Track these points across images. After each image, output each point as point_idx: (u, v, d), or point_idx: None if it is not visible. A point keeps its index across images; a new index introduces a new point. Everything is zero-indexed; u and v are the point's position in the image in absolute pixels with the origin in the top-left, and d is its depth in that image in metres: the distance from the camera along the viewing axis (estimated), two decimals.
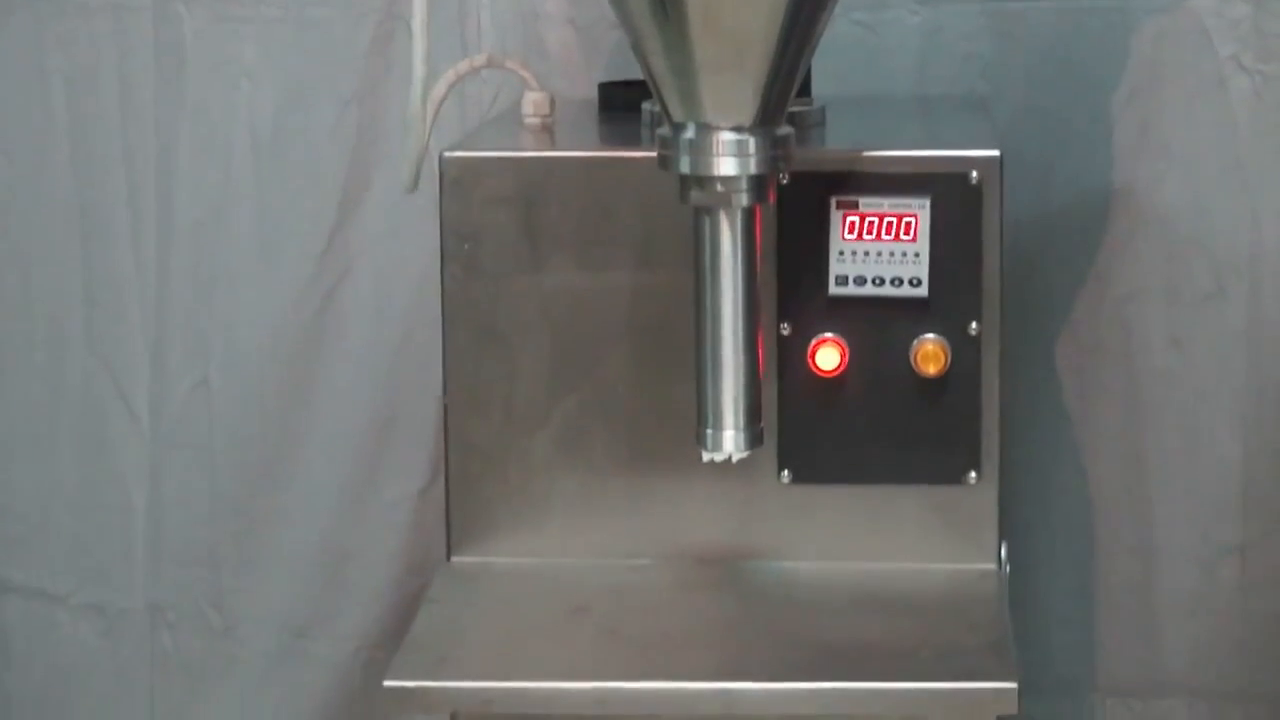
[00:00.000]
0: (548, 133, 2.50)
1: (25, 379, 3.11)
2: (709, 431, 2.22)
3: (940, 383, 2.31)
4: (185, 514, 3.09)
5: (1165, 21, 2.79)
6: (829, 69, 2.42)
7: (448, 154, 2.37)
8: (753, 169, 2.17)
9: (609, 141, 2.48)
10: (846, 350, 2.32)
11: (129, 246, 3.06)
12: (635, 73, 2.24)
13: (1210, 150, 2.81)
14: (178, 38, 2.98)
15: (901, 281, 2.30)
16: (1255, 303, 2.80)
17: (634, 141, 2.39)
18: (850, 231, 2.30)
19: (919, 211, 2.30)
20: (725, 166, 2.16)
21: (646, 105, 2.40)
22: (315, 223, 2.99)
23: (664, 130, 2.19)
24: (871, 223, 2.30)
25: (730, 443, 2.22)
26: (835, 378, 2.32)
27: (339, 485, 3.03)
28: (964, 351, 2.31)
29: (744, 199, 2.18)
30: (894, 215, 2.30)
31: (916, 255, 2.30)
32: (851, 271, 2.31)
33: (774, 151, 2.18)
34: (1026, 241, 2.68)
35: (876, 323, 2.32)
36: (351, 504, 3.03)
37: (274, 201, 3.01)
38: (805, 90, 2.41)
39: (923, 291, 2.30)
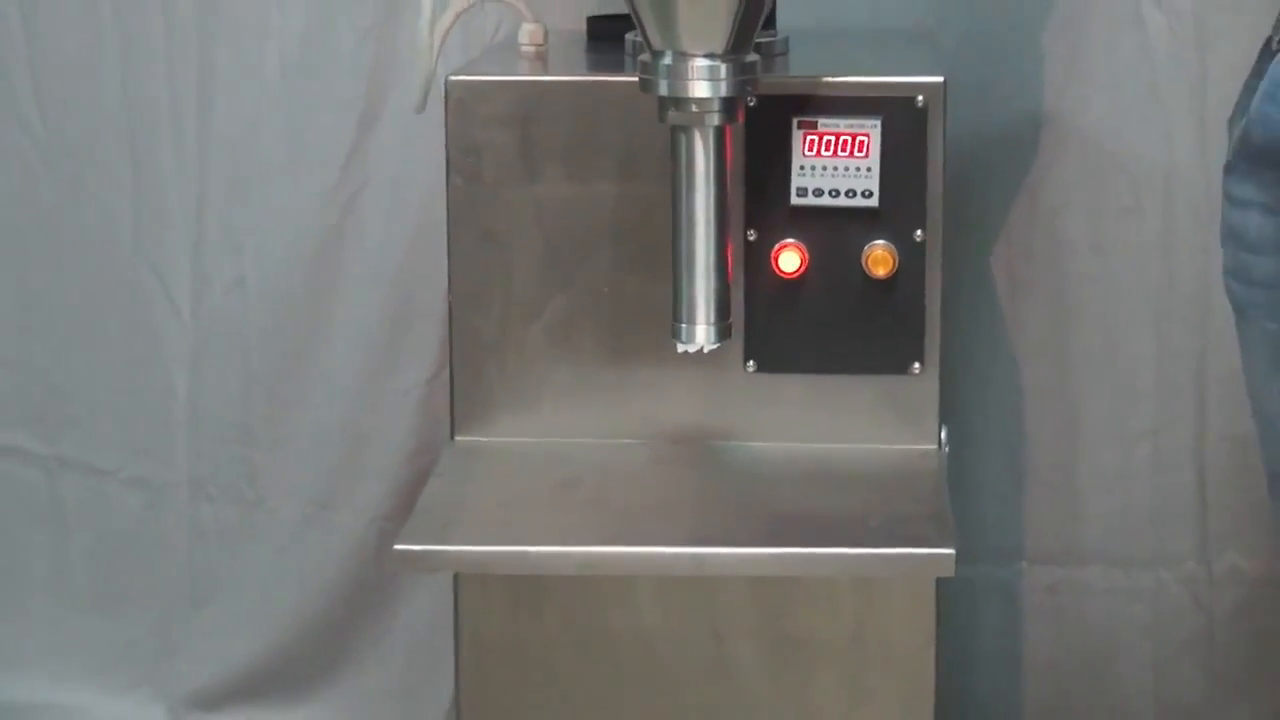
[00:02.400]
0: (541, 60, 2.49)
1: (78, 273, 3.09)
2: (683, 326, 2.22)
3: (888, 284, 2.31)
4: (222, 398, 3.07)
5: None
6: (792, 2, 2.39)
7: (452, 78, 2.35)
8: (723, 92, 2.16)
9: (596, 68, 2.46)
10: (806, 254, 2.31)
11: (172, 155, 3.03)
12: (620, 7, 2.22)
13: (1129, 79, 2.79)
14: None
15: (855, 193, 2.29)
16: (1168, 215, 2.79)
17: (618, 68, 2.38)
18: (810, 149, 2.29)
19: (871, 131, 2.28)
20: (699, 89, 2.15)
21: (629, 35, 2.38)
22: (337, 138, 2.96)
23: (645, 57, 2.18)
24: (829, 141, 2.29)
25: (702, 336, 2.22)
26: (796, 279, 2.32)
27: (357, 373, 3.01)
28: (910, 256, 2.31)
29: (716, 119, 2.17)
30: (849, 134, 2.29)
31: (869, 170, 2.29)
32: (810, 184, 2.30)
33: (742, 76, 2.17)
34: (966, 158, 2.66)
35: (832, 230, 2.31)
36: (368, 390, 3.01)
37: (300, 118, 2.98)
38: (771, 22, 2.40)
39: (874, 202, 2.29)
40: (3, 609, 3.22)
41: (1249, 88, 2.12)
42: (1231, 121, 2.15)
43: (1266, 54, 2.10)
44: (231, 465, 3.08)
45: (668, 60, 2.16)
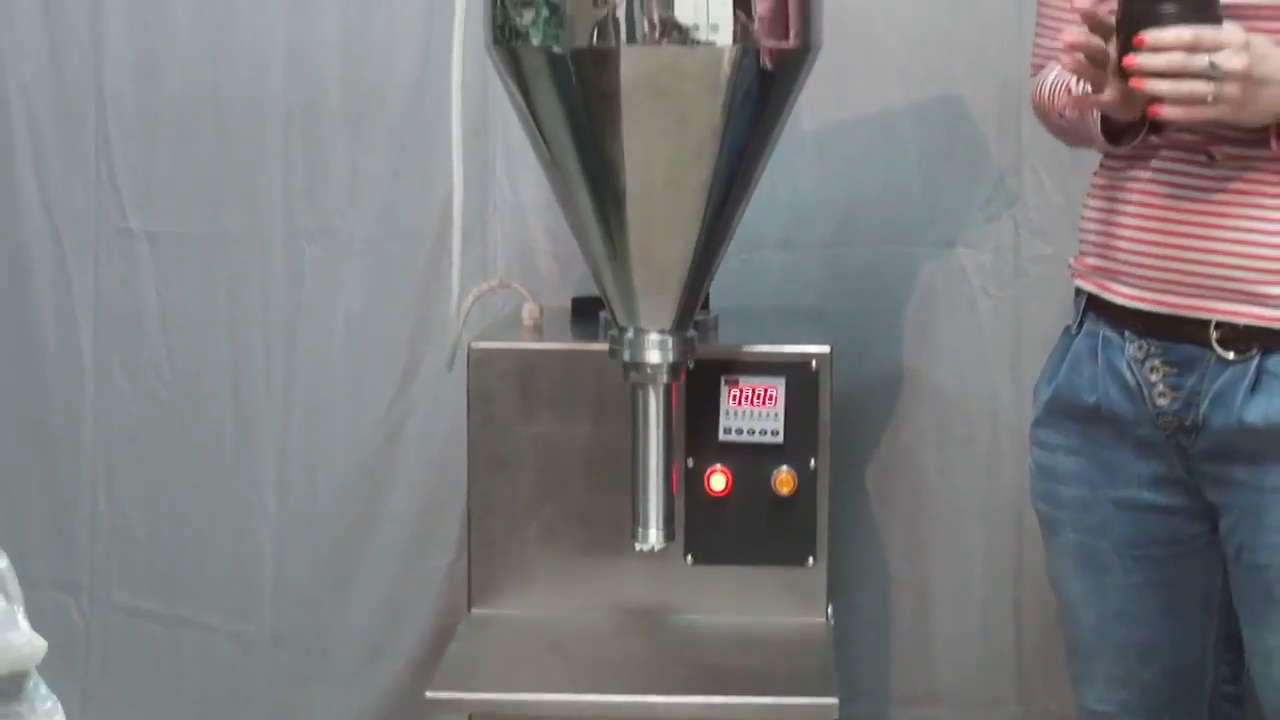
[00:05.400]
0: (538, 331, 2.49)
1: (194, 477, 3.06)
2: (639, 529, 2.22)
3: (791, 500, 2.31)
4: (298, 572, 3.04)
5: (939, 263, 2.78)
6: (721, 289, 2.41)
7: (474, 344, 2.36)
8: (670, 359, 2.17)
9: (578, 338, 2.46)
10: (730, 477, 2.31)
11: (264, 392, 3.00)
12: (596, 291, 2.24)
13: (966, 346, 2.79)
14: (298, 270, 2.97)
15: (766, 432, 2.30)
16: (994, 445, 2.78)
17: (594, 338, 2.38)
18: (733, 400, 2.30)
19: (778, 386, 2.30)
20: (652, 357, 2.17)
21: (603, 314, 2.39)
22: (387, 383, 2.96)
23: (613, 332, 2.20)
24: (747, 393, 2.30)
25: (654, 537, 2.22)
26: (723, 496, 2.32)
27: (398, 555, 2.98)
28: (806, 479, 2.31)
29: (665, 378, 2.18)
30: (761, 388, 2.30)
31: (776, 415, 2.30)
32: (734, 425, 2.31)
33: (684, 347, 2.19)
34: (848, 405, 2.66)
35: (750, 459, 2.31)
36: (406, 568, 2.98)
37: (359, 368, 2.97)
38: (705, 305, 2.41)
39: (779, 439, 2.30)
40: None
41: (1053, 361, 2.13)
42: (1037, 387, 2.15)
43: (1067, 335, 2.12)
44: (305, 623, 3.03)
45: (630, 335, 2.18)
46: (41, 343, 3.09)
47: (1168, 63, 1.77)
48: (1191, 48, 1.77)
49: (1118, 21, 1.83)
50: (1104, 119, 1.96)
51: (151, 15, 2.97)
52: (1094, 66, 1.85)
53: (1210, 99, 1.78)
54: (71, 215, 3.05)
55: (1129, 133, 1.96)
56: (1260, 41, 1.81)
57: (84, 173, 3.03)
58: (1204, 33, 1.78)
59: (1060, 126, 2.12)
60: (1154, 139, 1.96)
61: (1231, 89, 1.78)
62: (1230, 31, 1.79)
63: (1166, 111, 1.80)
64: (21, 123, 3.04)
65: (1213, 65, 1.77)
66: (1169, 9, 1.79)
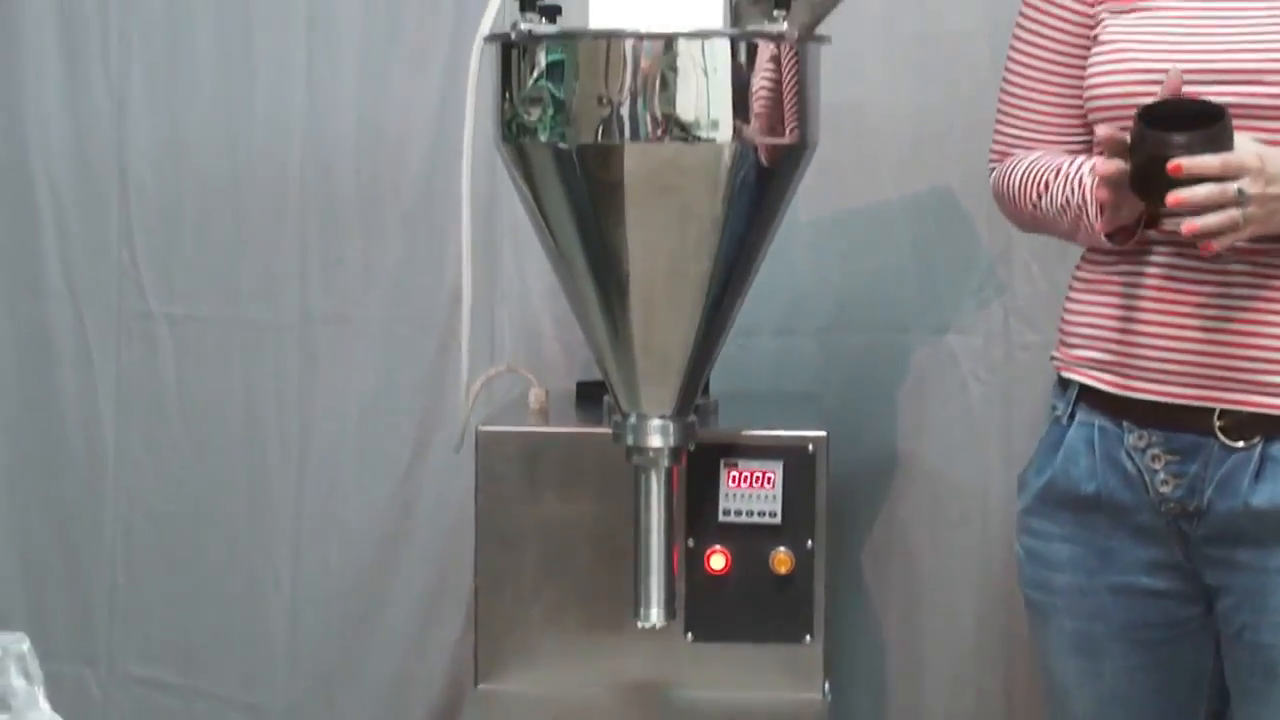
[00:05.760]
0: (544, 415, 2.49)
1: (210, 552, 3.06)
2: (641, 607, 2.20)
3: (788, 579, 2.29)
4: (311, 645, 3.02)
5: (931, 348, 2.78)
6: (720, 373, 2.39)
7: (482, 428, 2.36)
8: (672, 443, 2.16)
9: (583, 422, 2.46)
10: (729, 557, 2.30)
11: (279, 473, 3.00)
12: (600, 375, 2.23)
13: (958, 429, 2.78)
14: (312, 353, 2.98)
15: (764, 514, 2.29)
16: (985, 527, 2.77)
17: (598, 422, 2.37)
18: (732, 482, 2.29)
19: (775, 469, 2.29)
20: (654, 441, 2.16)
21: (606, 399, 2.38)
22: (398, 463, 2.96)
23: (616, 417, 2.19)
24: (746, 476, 2.29)
25: (656, 616, 2.19)
26: (722, 575, 2.30)
27: (408, 631, 2.97)
28: (803, 559, 2.30)
29: (666, 462, 2.17)
30: (760, 471, 2.29)
31: (774, 497, 2.29)
32: (733, 506, 2.30)
33: (685, 432, 2.17)
34: (844, 486, 2.64)
35: (748, 540, 2.30)
36: (415, 643, 2.96)
37: (371, 447, 2.97)
38: (705, 390, 2.40)
39: (777, 520, 2.29)
40: None
41: (1043, 451, 2.12)
42: (1025, 477, 2.14)
43: (1057, 425, 2.11)
44: (316, 696, 3.01)
45: (633, 420, 2.17)
46: (64, 421, 3.09)
47: (1206, 195, 1.79)
48: (1221, 176, 1.79)
49: (1132, 147, 1.83)
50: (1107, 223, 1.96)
51: (173, 106, 3.00)
52: (1117, 189, 1.87)
53: (1243, 222, 1.80)
54: (94, 298, 3.06)
55: (1121, 233, 1.96)
56: (1270, 155, 1.82)
57: (107, 257, 3.05)
58: (1229, 160, 1.79)
59: (1023, 215, 2.13)
60: (1148, 232, 1.97)
61: (1256, 209, 1.80)
62: (1247, 155, 1.80)
63: (1216, 244, 1.82)
64: (47, 208, 3.05)
65: (1240, 191, 1.79)
66: (1181, 140, 1.80)
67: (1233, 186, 1.79)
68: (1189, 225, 1.80)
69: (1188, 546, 2.01)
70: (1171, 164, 1.79)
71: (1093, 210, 1.95)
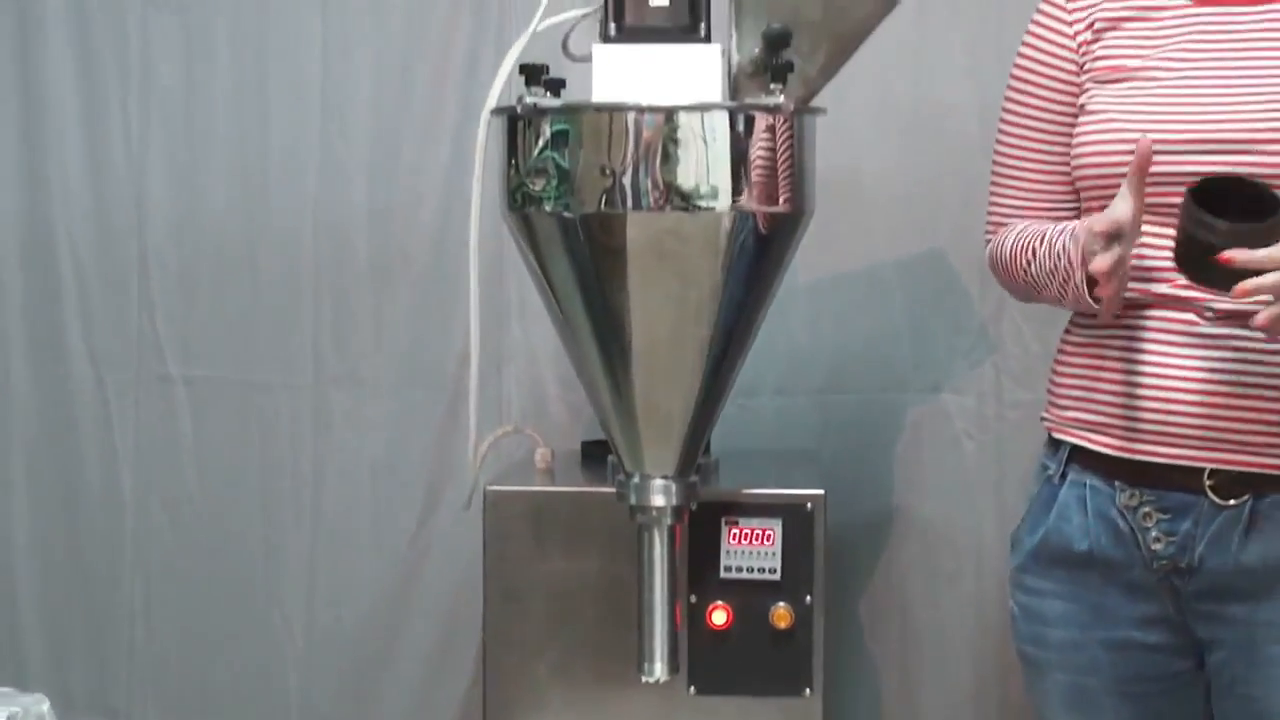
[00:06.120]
0: (550, 474, 2.49)
1: (226, 607, 3.04)
2: (645, 662, 2.18)
3: (788, 633, 2.28)
4: (322, 696, 3.01)
5: (925, 407, 2.78)
6: (720, 432, 2.38)
7: (490, 487, 2.35)
8: (674, 502, 2.15)
9: (588, 481, 2.46)
10: (731, 612, 2.29)
11: (293, 531, 3.00)
12: (604, 436, 2.23)
13: (952, 484, 2.78)
14: (325, 413, 2.98)
15: (764, 570, 2.28)
16: (979, 579, 2.76)
17: (603, 481, 2.36)
18: (733, 539, 2.29)
19: (775, 527, 2.28)
20: (657, 500, 2.15)
21: (610, 458, 2.38)
22: (408, 521, 2.95)
23: (620, 477, 2.18)
24: (746, 534, 2.29)
25: (659, 670, 2.18)
26: (724, 629, 2.29)
27: (417, 683, 2.95)
28: (803, 614, 2.29)
29: (669, 520, 2.16)
30: (760, 529, 2.29)
31: (774, 554, 2.28)
32: (734, 563, 2.29)
33: (687, 491, 2.17)
34: (842, 542, 2.65)
35: (749, 595, 2.29)
36: (424, 695, 2.95)
37: (382, 508, 2.97)
38: (707, 449, 2.39)
39: (777, 576, 2.28)
40: None
41: (1035, 510, 2.11)
42: (1018, 535, 2.14)
43: (1049, 483, 2.10)
44: None
45: (636, 480, 2.16)
46: (84, 480, 3.08)
47: (1274, 284, 1.78)
48: (1274, 266, 1.78)
49: (1183, 225, 1.82)
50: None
51: (191, 176, 3.00)
52: (1117, 275, 1.87)
53: None
54: (114, 362, 3.06)
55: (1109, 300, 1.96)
56: None
57: (127, 322, 3.05)
58: (1275, 252, 1.78)
59: (1017, 284, 2.12)
60: (1135, 295, 1.97)
61: None
62: None
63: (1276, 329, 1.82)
64: (69, 274, 3.06)
65: None
66: (1243, 229, 1.78)
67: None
68: (1261, 320, 1.80)
69: (1179, 601, 2.00)
70: (1225, 255, 1.77)
71: (1079, 275, 1.95)
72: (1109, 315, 1.95)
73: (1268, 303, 1.79)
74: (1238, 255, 1.78)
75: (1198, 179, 1.84)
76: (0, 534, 3.11)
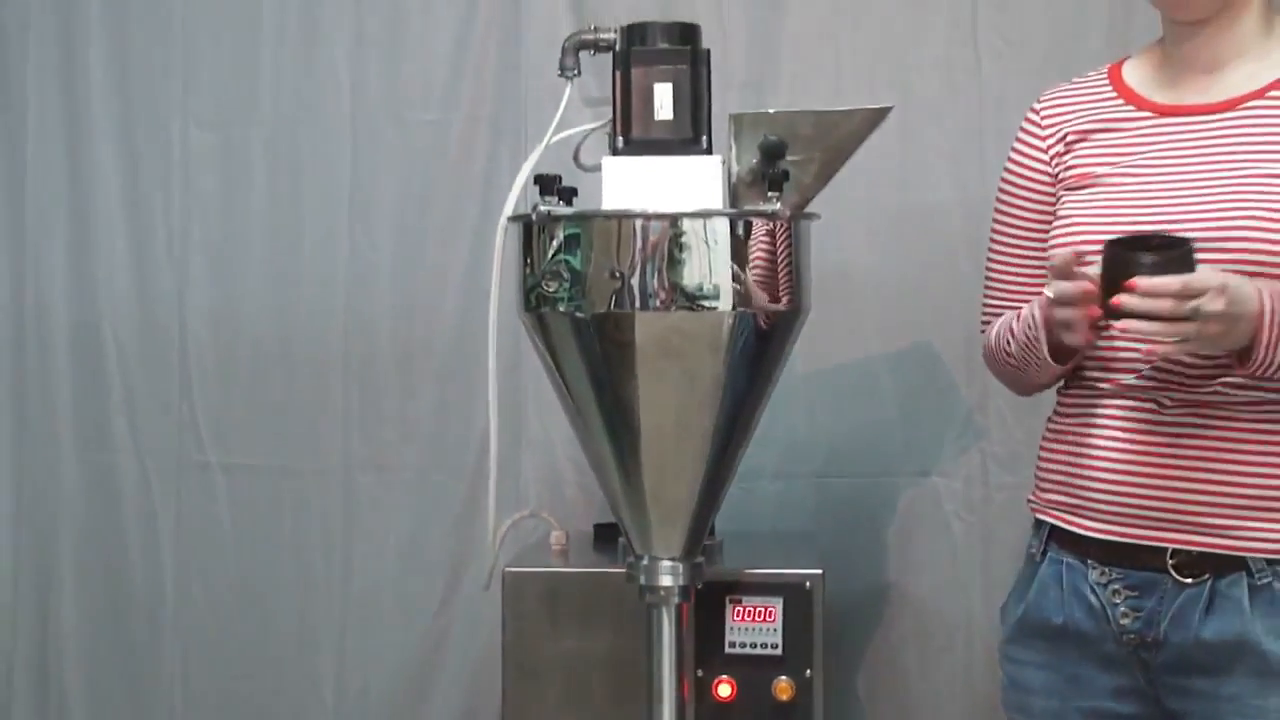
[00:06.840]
0: (564, 556, 2.49)
1: (260, 671, 3.02)
2: None
3: (789, 705, 2.28)
4: None
5: (916, 490, 2.78)
6: (724, 514, 2.36)
7: (508, 568, 2.35)
8: (681, 582, 2.14)
9: (599, 562, 2.45)
10: (735, 686, 2.28)
11: (324, 598, 2.99)
12: (615, 518, 2.22)
13: (942, 562, 2.77)
14: (354, 498, 2.98)
15: (767, 645, 2.28)
16: (969, 652, 2.74)
17: (614, 562, 2.36)
18: (737, 616, 2.29)
19: (776, 605, 2.29)
20: (665, 581, 2.14)
21: (621, 540, 2.37)
22: (431, 600, 2.95)
23: (630, 558, 2.17)
24: (749, 611, 2.29)
25: None
26: (729, 702, 2.29)
27: None
28: (803, 686, 2.28)
29: (676, 599, 2.15)
30: (762, 607, 2.29)
31: (775, 630, 2.28)
32: (738, 639, 2.29)
33: (693, 572, 2.16)
34: (839, 619, 2.63)
35: (752, 670, 2.28)
36: None
37: (408, 585, 2.96)
38: (712, 531, 2.37)
39: (779, 652, 2.28)
40: None
41: (1020, 585, 2.11)
42: (1005, 608, 2.13)
43: (1031, 561, 2.09)
44: None
45: (645, 561, 2.15)
46: (128, 563, 3.08)
47: (1155, 307, 1.78)
48: (1179, 295, 1.78)
49: (1104, 270, 1.83)
50: (1052, 346, 1.98)
51: (229, 275, 3.03)
52: (1075, 307, 1.88)
53: (1195, 336, 1.80)
54: (157, 449, 3.07)
55: (1064, 352, 1.98)
56: (1235, 280, 1.82)
57: (168, 412, 3.06)
58: (1191, 281, 1.79)
59: (1006, 370, 2.13)
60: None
61: (1214, 327, 1.80)
62: (1211, 276, 1.80)
63: (1160, 350, 1.81)
64: (114, 367, 3.07)
65: (1196, 310, 1.78)
66: (1149, 260, 1.80)
67: (1190, 304, 1.78)
68: (1136, 328, 1.80)
69: (1149, 674, 1.99)
70: (1130, 281, 1.79)
71: (1041, 335, 1.97)
72: (1083, 339, 1.93)
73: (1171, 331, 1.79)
74: (1140, 283, 1.78)
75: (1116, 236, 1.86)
76: (51, 611, 3.11)
